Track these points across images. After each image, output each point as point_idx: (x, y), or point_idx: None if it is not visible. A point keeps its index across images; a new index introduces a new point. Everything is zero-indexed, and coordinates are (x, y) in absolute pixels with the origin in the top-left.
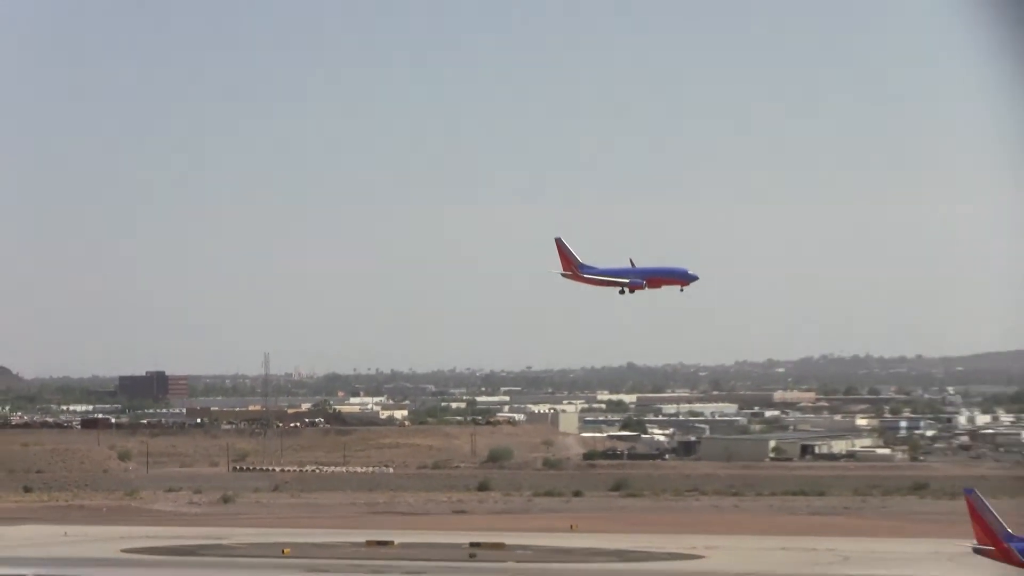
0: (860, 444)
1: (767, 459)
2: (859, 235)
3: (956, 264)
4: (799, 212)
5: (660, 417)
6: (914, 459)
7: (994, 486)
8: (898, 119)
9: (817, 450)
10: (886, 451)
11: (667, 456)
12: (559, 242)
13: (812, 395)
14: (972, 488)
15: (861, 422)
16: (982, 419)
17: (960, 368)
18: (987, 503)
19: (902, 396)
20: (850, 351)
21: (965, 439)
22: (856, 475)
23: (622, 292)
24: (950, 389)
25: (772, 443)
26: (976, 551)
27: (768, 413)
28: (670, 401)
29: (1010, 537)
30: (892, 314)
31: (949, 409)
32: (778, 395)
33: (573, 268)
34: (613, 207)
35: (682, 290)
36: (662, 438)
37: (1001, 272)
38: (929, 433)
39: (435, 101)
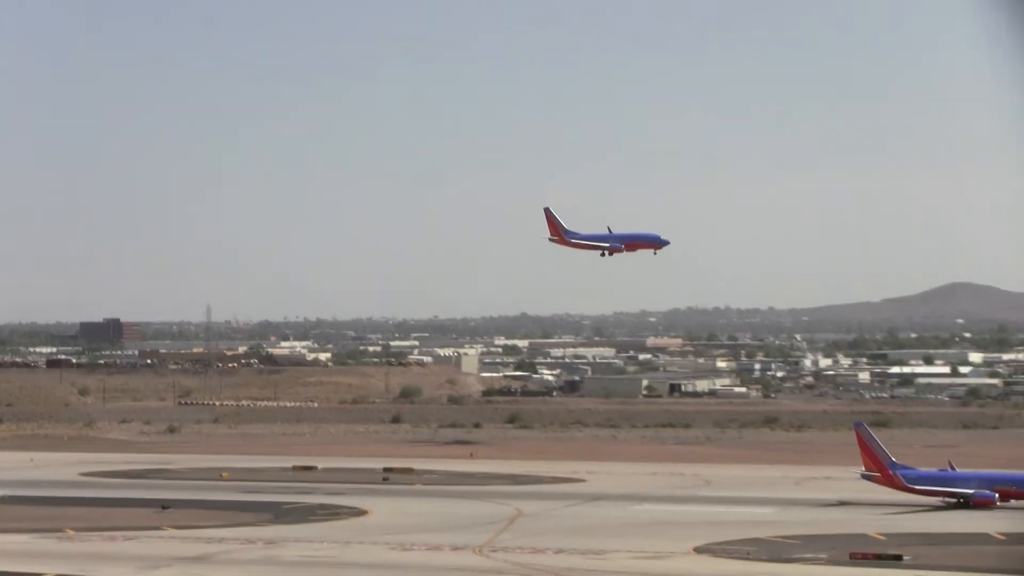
0: (720, 383)
1: (640, 396)
2: (717, 203)
3: (804, 228)
4: (661, 180)
5: (549, 360)
6: (766, 396)
7: (834, 419)
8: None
9: (683, 388)
10: (742, 389)
11: (554, 393)
12: (547, 211)
13: (679, 341)
14: (860, 422)
15: (721, 364)
16: (824, 362)
17: (806, 318)
18: (873, 435)
19: (756, 342)
20: (712, 303)
21: (810, 379)
22: (717, 410)
23: (603, 254)
24: (797, 336)
25: (645, 382)
26: (864, 477)
27: (641, 356)
28: (558, 346)
29: (894, 465)
30: (748, 271)
31: (796, 353)
32: (650, 341)
33: (560, 234)
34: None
35: (655, 253)
36: (550, 378)
37: (843, 235)
38: (779, 374)
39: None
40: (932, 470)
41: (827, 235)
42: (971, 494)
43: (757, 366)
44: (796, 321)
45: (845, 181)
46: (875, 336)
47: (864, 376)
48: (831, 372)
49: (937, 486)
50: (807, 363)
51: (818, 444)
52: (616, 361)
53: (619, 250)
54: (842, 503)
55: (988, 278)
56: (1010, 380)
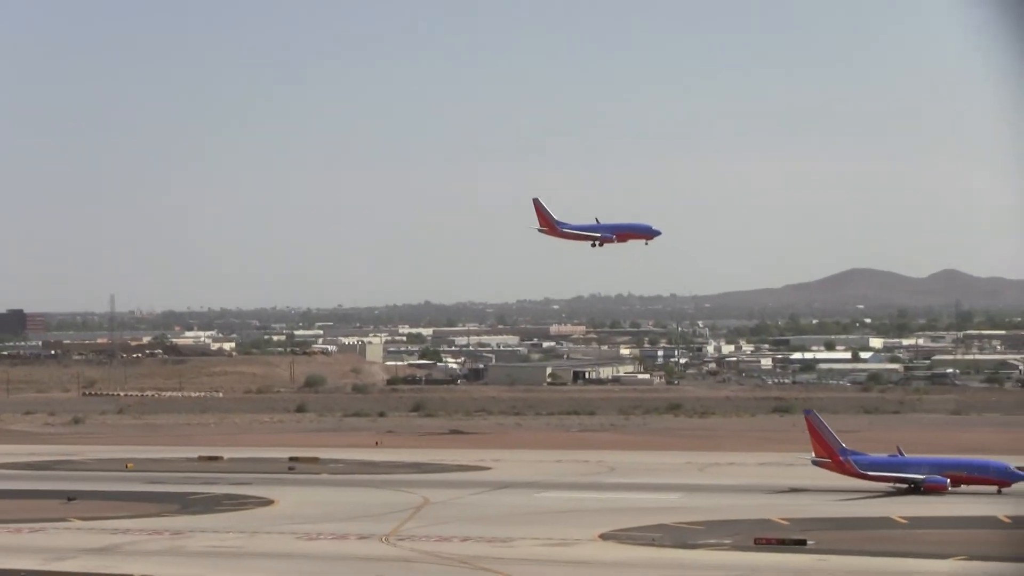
0: (624, 370)
1: (544, 383)
2: (617, 190)
3: (704, 215)
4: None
5: (453, 348)
6: (669, 383)
7: (737, 405)
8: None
9: (587, 375)
10: (646, 376)
11: (459, 381)
12: (536, 202)
13: (583, 328)
14: (811, 409)
15: (624, 351)
16: (727, 348)
17: (708, 305)
18: (824, 422)
19: (659, 329)
20: (614, 290)
21: (713, 366)
22: (620, 397)
23: (593, 245)
24: (700, 323)
25: (549, 370)
26: (815, 463)
27: (545, 344)
28: (462, 334)
29: (845, 451)
30: (649, 258)
31: (699, 340)
32: (554, 328)
33: (550, 225)
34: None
35: (647, 243)
36: (455, 366)
37: (744, 222)
38: (682, 361)
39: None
40: (883, 456)
41: (727, 222)
42: (923, 480)
43: (660, 353)
44: (698, 308)
45: (746, 168)
46: (777, 322)
47: (766, 362)
48: (734, 358)
49: (888, 471)
50: (710, 349)
51: (721, 430)
52: (520, 349)
53: (610, 240)
54: (794, 490)
55: (888, 264)
56: (910, 365)
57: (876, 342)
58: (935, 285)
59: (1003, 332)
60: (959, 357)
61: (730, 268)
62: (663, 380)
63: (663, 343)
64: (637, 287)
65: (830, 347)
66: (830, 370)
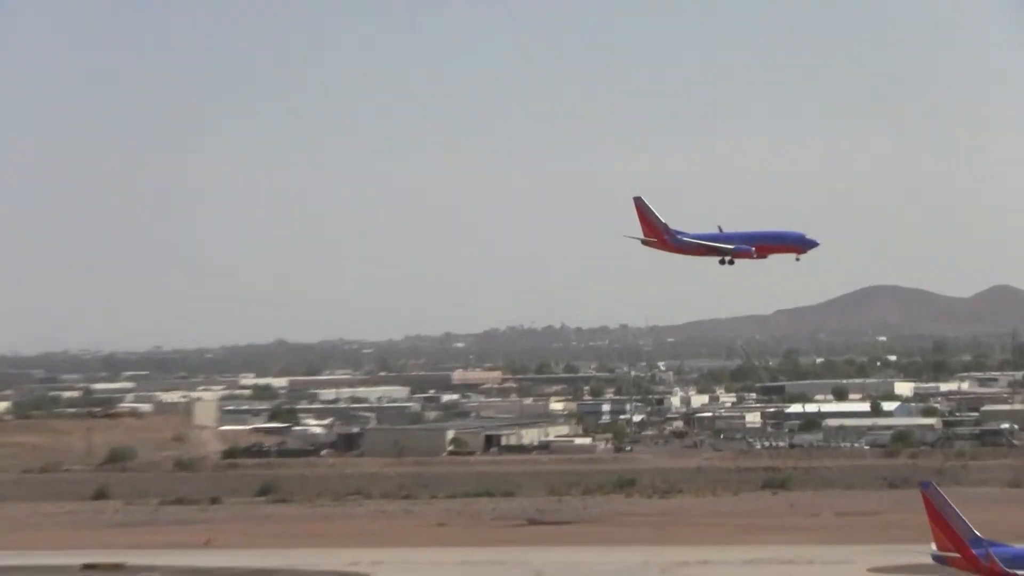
0: (555, 433)
1: (445, 453)
2: (534, 191)
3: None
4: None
5: (316, 404)
6: (619, 450)
7: (713, 479)
8: None
9: (504, 441)
10: (586, 440)
11: (324, 452)
12: (639, 202)
13: (498, 375)
14: (929, 481)
15: (556, 406)
16: (698, 400)
17: (671, 339)
18: (947, 499)
19: (605, 374)
20: (542, 321)
21: (679, 425)
22: (551, 470)
23: (723, 262)
24: (661, 364)
25: (450, 433)
26: (936, 559)
27: (445, 397)
28: (328, 385)
29: (979, 541)
30: (591, 274)
31: (660, 388)
32: (457, 375)
33: (658, 233)
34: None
35: (798, 258)
36: (318, 430)
37: (725, 220)
38: (636, 418)
39: None
40: None
41: (700, 221)
42: None
43: (606, 408)
44: (659, 343)
45: (726, 148)
46: (767, 362)
47: (753, 418)
48: (708, 413)
49: None
50: (675, 402)
51: (691, 514)
52: (411, 404)
53: (748, 255)
54: None
55: (918, 280)
56: (951, 419)
57: (904, 387)
58: (982, 307)
59: None
60: (1018, 407)
61: (701, 287)
62: (610, 446)
63: (610, 394)
64: (573, 316)
65: (841, 395)
66: (841, 427)
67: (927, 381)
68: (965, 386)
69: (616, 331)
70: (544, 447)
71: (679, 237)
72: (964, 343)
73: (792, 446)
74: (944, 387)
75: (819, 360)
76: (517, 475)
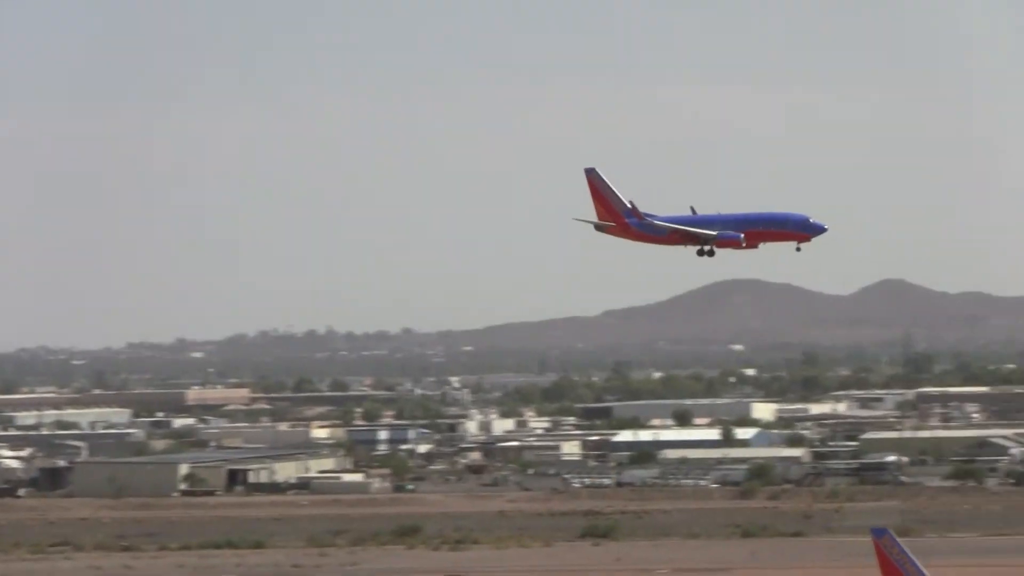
0: (318, 467)
1: (176, 493)
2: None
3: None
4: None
5: (11, 431)
6: (399, 489)
7: (519, 526)
8: None
9: (253, 477)
10: (357, 477)
11: (22, 492)
12: (592, 176)
13: (245, 393)
14: (884, 528)
15: (320, 432)
16: (501, 425)
17: (468, 347)
18: (908, 552)
19: (382, 392)
20: (303, 325)
21: (476, 457)
22: (313, 514)
23: (702, 252)
24: (454, 380)
25: (184, 468)
26: None
27: (178, 422)
28: (27, 406)
29: None
30: (366, 273)
31: (453, 411)
32: (193, 393)
33: (618, 216)
34: None
35: (799, 249)
36: (14, 464)
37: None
38: (422, 448)
39: None
40: None
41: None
42: None
43: (384, 435)
44: (451, 353)
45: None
46: (589, 377)
47: (571, 448)
48: (513, 443)
49: None
50: (471, 428)
51: (491, 570)
52: (133, 431)
53: (735, 243)
54: None
55: (786, 273)
56: (823, 451)
57: (764, 410)
58: (866, 307)
59: (983, 389)
60: (909, 435)
61: (506, 281)
62: (388, 484)
63: (388, 418)
64: (343, 318)
65: (683, 420)
66: (683, 461)
67: (793, 402)
68: (841, 408)
69: (398, 337)
70: (304, 485)
71: (648, 220)
72: (842, 353)
73: (620, 484)
74: (815, 409)
75: (657, 375)
76: (269, 521)
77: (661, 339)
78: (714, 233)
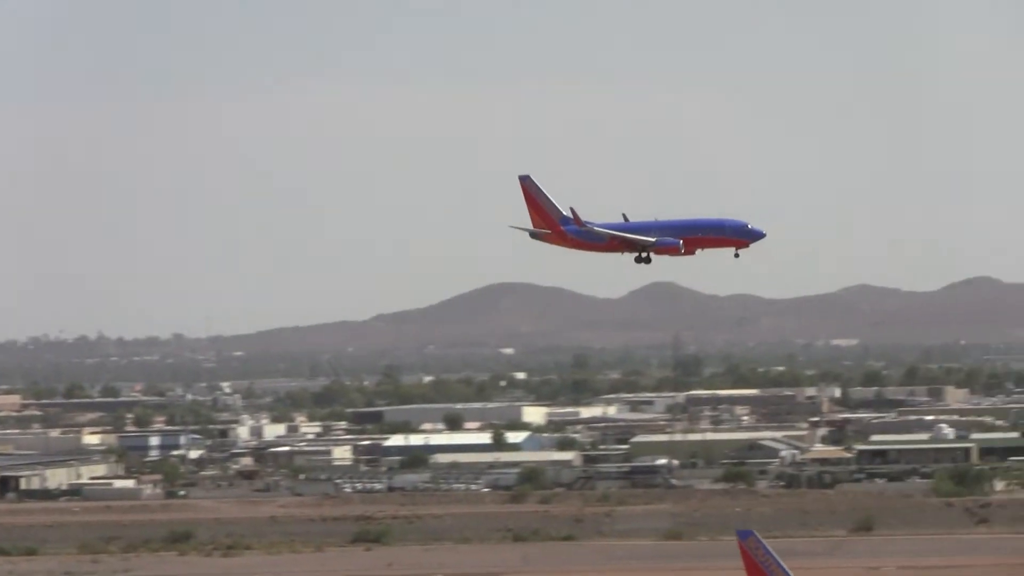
0: (90, 473)
1: None
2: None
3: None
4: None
5: None
6: (171, 495)
7: (290, 532)
8: None
9: (24, 484)
10: (128, 483)
11: None
12: (527, 183)
13: (16, 399)
14: (749, 530)
15: (91, 439)
16: (272, 431)
17: (239, 352)
18: (773, 553)
19: (153, 398)
20: (74, 330)
21: (248, 462)
22: (85, 521)
23: (640, 259)
24: (225, 386)
25: None
26: None
27: None
28: None
29: None
30: (137, 276)
31: (224, 417)
32: None
33: (553, 223)
34: None
35: (737, 255)
36: None
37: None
38: (193, 454)
39: None
40: None
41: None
42: None
43: (155, 441)
44: (222, 358)
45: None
46: (361, 381)
47: (343, 453)
48: (284, 448)
49: None
50: (243, 433)
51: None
52: None
53: (674, 250)
54: None
55: (556, 276)
56: (594, 454)
57: (535, 413)
58: (637, 309)
59: (753, 392)
60: (679, 438)
61: (275, 286)
62: (160, 490)
63: (160, 424)
64: (114, 323)
65: (454, 424)
66: (454, 465)
67: (564, 405)
68: (612, 411)
69: (169, 343)
70: (76, 492)
71: (588, 227)
72: (613, 356)
73: (392, 489)
74: (586, 412)
75: (427, 379)
76: (41, 528)
77: (432, 343)
78: (653, 240)
